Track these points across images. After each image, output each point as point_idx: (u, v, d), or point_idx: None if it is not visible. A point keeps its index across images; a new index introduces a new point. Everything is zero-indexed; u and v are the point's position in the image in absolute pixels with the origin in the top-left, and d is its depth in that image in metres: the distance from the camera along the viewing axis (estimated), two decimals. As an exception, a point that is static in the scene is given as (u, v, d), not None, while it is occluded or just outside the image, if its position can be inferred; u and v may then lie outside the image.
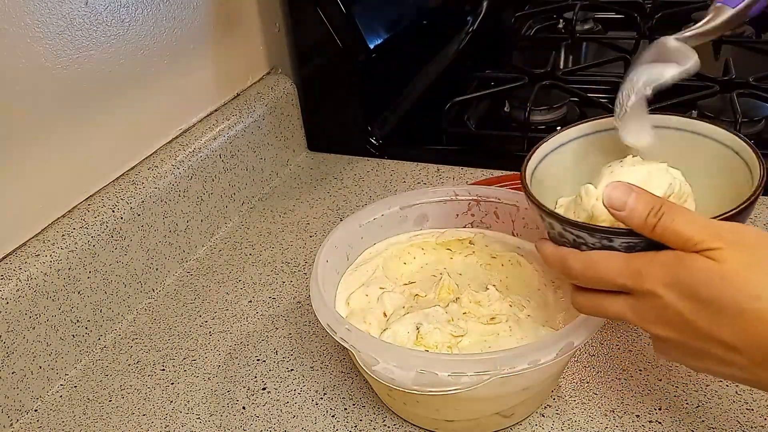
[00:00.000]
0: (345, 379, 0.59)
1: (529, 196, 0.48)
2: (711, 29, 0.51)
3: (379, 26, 0.91)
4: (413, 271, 0.63)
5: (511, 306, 0.56)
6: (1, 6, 0.56)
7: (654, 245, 0.41)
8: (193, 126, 0.80)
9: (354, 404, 0.58)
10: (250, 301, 0.70)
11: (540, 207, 0.46)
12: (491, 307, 0.56)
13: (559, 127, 0.53)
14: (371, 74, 0.90)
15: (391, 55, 0.93)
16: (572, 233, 0.44)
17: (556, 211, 0.48)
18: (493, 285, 0.59)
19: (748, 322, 0.37)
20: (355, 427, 0.56)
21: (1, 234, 0.60)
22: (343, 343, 0.49)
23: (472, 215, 0.65)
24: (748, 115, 0.87)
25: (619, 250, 0.42)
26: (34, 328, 0.59)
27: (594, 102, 0.98)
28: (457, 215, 0.65)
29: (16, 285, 0.58)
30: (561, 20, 1.28)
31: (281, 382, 0.60)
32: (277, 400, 0.59)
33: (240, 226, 0.82)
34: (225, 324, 0.67)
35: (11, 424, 0.58)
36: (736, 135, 0.50)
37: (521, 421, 0.55)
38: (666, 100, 0.93)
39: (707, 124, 0.51)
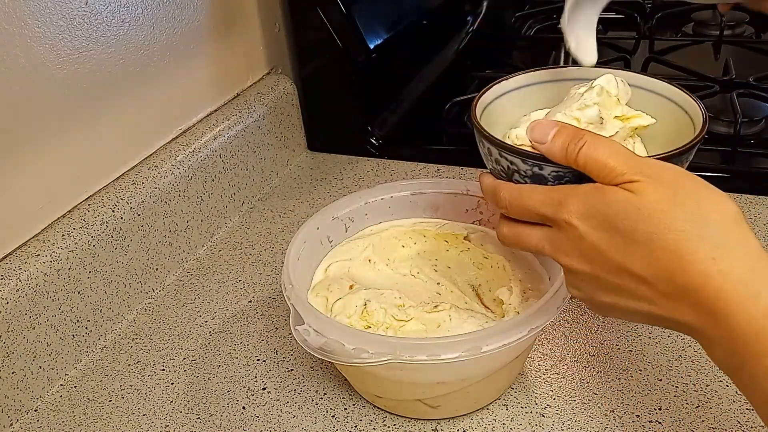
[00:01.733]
0: (345, 379, 0.59)
1: (474, 120, 0.47)
2: None
3: (379, 26, 0.91)
4: (409, 255, 0.64)
5: (475, 309, 0.57)
6: (1, 6, 0.56)
7: (582, 178, 0.41)
8: (193, 126, 0.80)
9: (354, 404, 0.58)
10: (250, 301, 0.70)
11: (480, 130, 0.46)
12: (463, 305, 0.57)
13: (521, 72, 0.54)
14: (371, 74, 0.90)
15: (391, 55, 0.93)
16: (506, 159, 0.44)
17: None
18: (473, 285, 0.61)
19: (658, 253, 0.37)
20: (355, 427, 0.56)
21: (1, 234, 0.60)
22: (287, 300, 0.53)
23: (480, 213, 0.65)
24: (748, 115, 0.87)
25: (549, 180, 0.43)
26: (34, 328, 0.59)
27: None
28: (467, 210, 0.66)
29: (16, 285, 0.58)
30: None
31: (281, 382, 0.60)
32: (277, 400, 0.59)
33: (240, 226, 0.82)
34: (225, 324, 0.67)
35: (11, 424, 0.58)
36: (680, 88, 0.50)
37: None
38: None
39: (654, 80, 0.50)
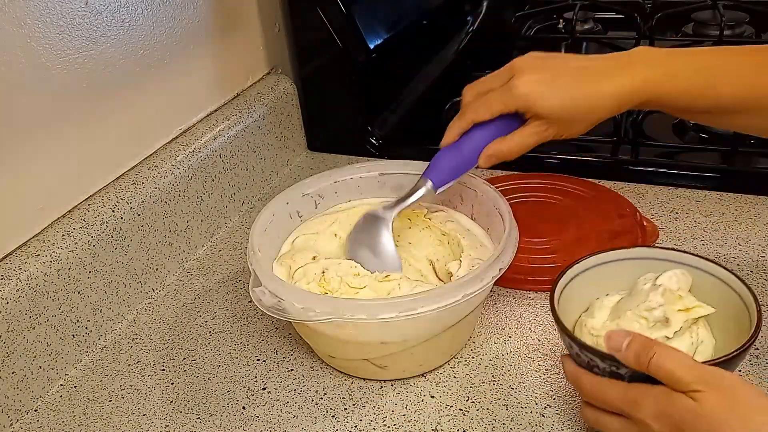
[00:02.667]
0: (345, 379, 0.59)
1: (555, 316, 0.53)
2: (412, 203, 0.62)
3: (379, 26, 0.91)
4: None
5: (429, 280, 0.61)
6: (1, 6, 0.56)
7: (654, 379, 0.47)
8: (193, 126, 0.80)
9: (354, 404, 0.58)
10: (250, 301, 0.70)
11: (563, 329, 0.52)
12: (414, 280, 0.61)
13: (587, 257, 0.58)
14: (371, 74, 0.90)
15: (391, 55, 0.93)
16: (587, 356, 0.50)
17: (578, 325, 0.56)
18: (430, 260, 0.65)
19: None
20: (355, 427, 0.56)
21: (1, 234, 0.60)
22: (249, 265, 0.58)
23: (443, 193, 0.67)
24: (748, 115, 0.87)
25: (623, 377, 0.49)
26: (34, 328, 0.59)
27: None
28: None
29: (16, 285, 0.58)
30: (561, 20, 1.28)
31: (281, 382, 0.60)
32: (277, 400, 0.59)
33: (240, 226, 0.82)
34: (225, 324, 0.67)
35: (11, 424, 0.58)
36: (735, 275, 0.54)
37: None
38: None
39: (713, 265, 0.55)
